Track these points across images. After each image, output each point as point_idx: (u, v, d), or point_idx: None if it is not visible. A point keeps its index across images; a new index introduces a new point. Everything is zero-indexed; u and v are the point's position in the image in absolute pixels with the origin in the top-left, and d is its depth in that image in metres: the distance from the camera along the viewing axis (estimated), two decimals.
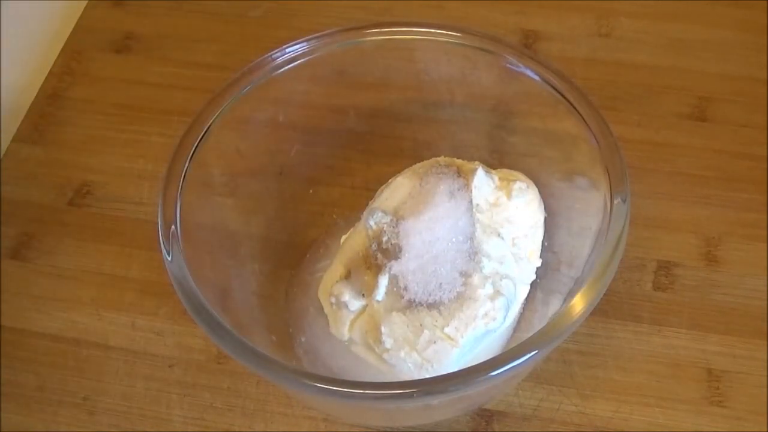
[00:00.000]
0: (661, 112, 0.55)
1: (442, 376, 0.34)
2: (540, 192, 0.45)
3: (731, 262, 0.49)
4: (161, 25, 0.63)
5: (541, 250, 0.45)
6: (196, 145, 0.41)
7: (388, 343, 0.41)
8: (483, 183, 0.44)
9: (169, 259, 0.37)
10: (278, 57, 0.44)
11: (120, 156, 0.56)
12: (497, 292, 0.41)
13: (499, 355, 0.35)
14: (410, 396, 0.34)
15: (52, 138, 0.57)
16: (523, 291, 0.44)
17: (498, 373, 0.34)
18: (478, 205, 0.43)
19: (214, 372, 0.46)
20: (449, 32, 0.45)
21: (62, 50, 0.61)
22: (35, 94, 0.59)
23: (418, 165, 0.46)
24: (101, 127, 0.57)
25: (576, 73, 0.56)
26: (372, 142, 0.50)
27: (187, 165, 0.40)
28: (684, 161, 0.53)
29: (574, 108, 0.42)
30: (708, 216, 0.51)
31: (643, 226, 0.50)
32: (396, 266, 0.41)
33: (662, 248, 0.50)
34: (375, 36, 0.45)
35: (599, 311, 0.43)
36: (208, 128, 0.42)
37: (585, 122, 0.41)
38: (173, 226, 0.38)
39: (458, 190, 0.44)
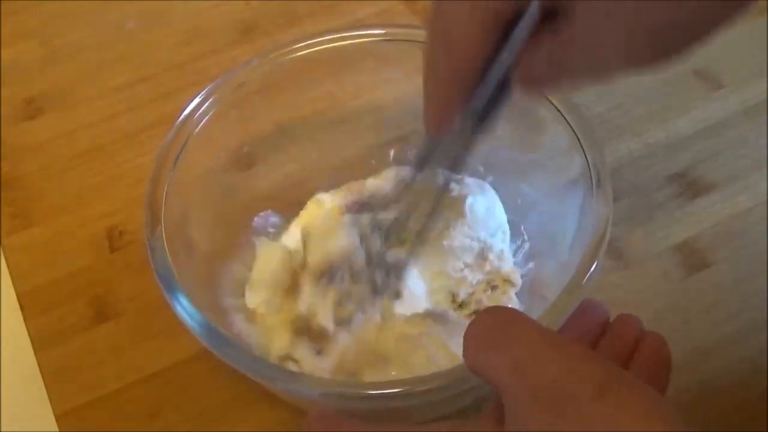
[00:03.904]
0: None
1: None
2: (518, 189, 0.46)
3: None
4: (56, 77, 0.61)
5: (514, 249, 0.47)
6: (175, 160, 0.42)
7: None
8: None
9: (154, 258, 0.39)
10: (241, 71, 0.46)
11: (120, 191, 0.55)
12: None
13: None
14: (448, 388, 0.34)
15: (42, 215, 0.54)
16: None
17: None
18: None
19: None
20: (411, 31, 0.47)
21: None
22: None
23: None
24: (80, 179, 0.56)
25: None
26: (334, 148, 0.50)
27: (167, 180, 0.42)
28: None
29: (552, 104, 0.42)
30: None
31: None
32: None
33: None
34: (331, 43, 0.47)
35: None
36: (184, 144, 0.43)
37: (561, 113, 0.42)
38: (159, 226, 0.40)
39: None
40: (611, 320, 0.37)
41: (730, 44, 0.59)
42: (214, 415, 0.45)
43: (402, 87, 0.48)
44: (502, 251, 0.47)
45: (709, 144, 0.55)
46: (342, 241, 0.44)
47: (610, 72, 0.28)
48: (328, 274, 0.44)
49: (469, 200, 0.46)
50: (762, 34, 0.60)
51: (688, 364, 0.45)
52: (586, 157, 0.41)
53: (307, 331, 0.43)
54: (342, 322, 0.43)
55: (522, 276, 0.46)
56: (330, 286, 0.43)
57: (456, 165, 0.38)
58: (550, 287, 0.42)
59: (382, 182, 0.50)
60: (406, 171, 0.49)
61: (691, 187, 0.53)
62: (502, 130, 0.45)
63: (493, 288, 0.46)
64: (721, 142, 0.55)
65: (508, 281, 0.46)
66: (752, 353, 0.46)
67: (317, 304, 0.43)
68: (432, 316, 0.43)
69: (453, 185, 0.47)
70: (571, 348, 0.29)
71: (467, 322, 0.41)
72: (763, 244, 0.50)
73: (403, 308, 0.44)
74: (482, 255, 0.46)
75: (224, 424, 0.45)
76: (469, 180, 0.48)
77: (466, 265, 0.45)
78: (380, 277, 0.44)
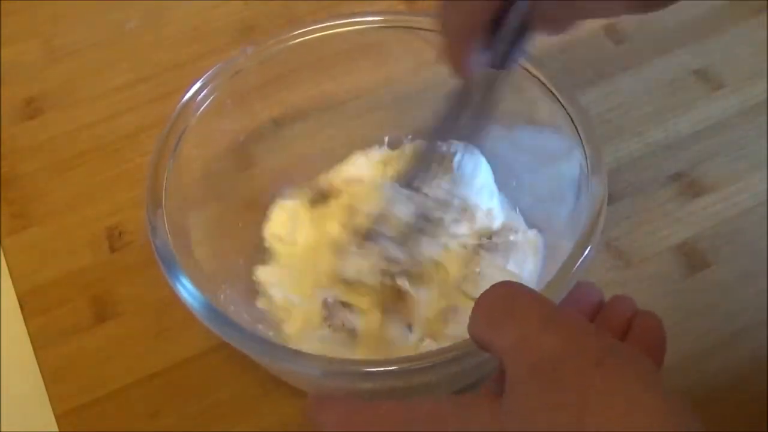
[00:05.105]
0: None
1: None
2: (512, 172, 0.47)
3: None
4: (56, 77, 0.61)
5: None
6: (174, 146, 0.43)
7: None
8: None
9: (155, 238, 0.39)
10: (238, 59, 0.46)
11: (120, 191, 0.55)
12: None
13: None
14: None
15: (42, 215, 0.54)
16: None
17: None
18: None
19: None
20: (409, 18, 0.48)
21: None
22: None
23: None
24: (80, 179, 0.56)
25: None
26: (331, 137, 0.51)
27: (168, 163, 0.43)
28: None
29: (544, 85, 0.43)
30: None
31: None
32: None
33: None
34: (323, 31, 0.47)
35: None
36: (183, 131, 0.44)
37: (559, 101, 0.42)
38: (160, 208, 0.40)
39: None
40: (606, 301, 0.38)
41: (730, 44, 0.60)
42: (214, 415, 0.45)
43: (400, 75, 0.49)
44: (490, 210, 0.47)
45: (709, 144, 0.55)
46: (383, 202, 0.45)
47: (614, 12, 0.37)
48: (369, 234, 0.44)
49: (457, 157, 0.47)
50: (762, 34, 0.60)
51: (689, 363, 0.45)
52: (581, 139, 0.41)
53: (393, 304, 0.44)
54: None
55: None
56: (373, 244, 0.44)
57: (482, 112, 0.41)
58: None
59: (348, 168, 0.51)
60: (376, 151, 0.51)
61: (691, 187, 0.53)
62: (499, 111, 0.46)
63: (484, 247, 0.46)
64: (721, 142, 0.55)
65: (495, 235, 0.47)
66: (752, 353, 0.46)
67: (363, 265, 0.44)
68: (483, 247, 0.44)
69: (440, 144, 0.48)
70: (571, 322, 0.29)
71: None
72: (763, 244, 0.50)
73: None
74: (469, 214, 0.47)
75: (224, 424, 0.45)
76: (458, 144, 0.49)
77: (453, 220, 0.46)
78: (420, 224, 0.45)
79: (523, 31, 0.38)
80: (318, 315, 0.44)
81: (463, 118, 0.42)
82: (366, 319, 0.44)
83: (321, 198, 0.49)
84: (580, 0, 0.35)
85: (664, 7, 0.34)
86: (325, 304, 0.44)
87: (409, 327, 0.43)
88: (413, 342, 0.43)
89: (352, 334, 0.43)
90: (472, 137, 0.44)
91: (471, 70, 0.38)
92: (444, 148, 0.47)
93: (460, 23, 0.37)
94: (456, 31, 0.38)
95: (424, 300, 0.44)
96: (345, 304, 0.44)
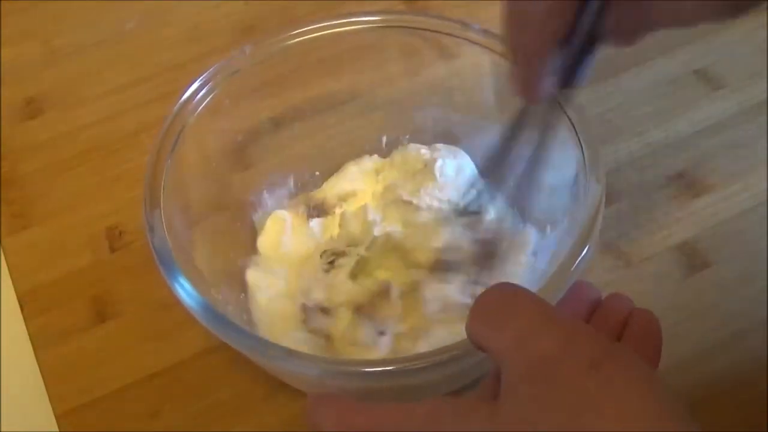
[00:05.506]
0: None
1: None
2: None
3: None
4: (56, 77, 0.61)
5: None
6: (172, 146, 0.43)
7: None
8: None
9: (153, 238, 0.39)
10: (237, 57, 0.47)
11: (120, 191, 0.55)
12: None
13: None
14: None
15: (42, 215, 0.54)
16: None
17: None
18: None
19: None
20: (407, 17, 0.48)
21: None
22: None
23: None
24: (80, 179, 0.56)
25: None
26: (330, 130, 0.51)
27: (166, 163, 0.43)
28: None
29: None
30: None
31: None
32: None
33: None
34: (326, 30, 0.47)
35: None
36: (181, 130, 0.44)
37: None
38: (158, 209, 0.41)
39: None
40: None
41: (730, 44, 0.60)
42: (214, 415, 0.45)
43: (400, 76, 0.49)
44: (480, 206, 0.47)
45: (709, 144, 0.55)
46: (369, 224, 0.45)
47: (693, 24, 0.32)
48: (334, 256, 0.45)
49: (438, 162, 0.48)
50: (762, 34, 0.60)
51: (689, 364, 0.45)
52: (578, 138, 0.41)
53: (370, 309, 0.43)
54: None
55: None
56: (331, 267, 0.44)
57: (548, 125, 0.40)
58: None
59: (340, 183, 0.51)
60: (368, 161, 0.51)
61: (691, 187, 0.53)
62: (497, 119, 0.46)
63: (484, 248, 0.46)
64: (721, 142, 0.55)
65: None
66: (752, 353, 0.46)
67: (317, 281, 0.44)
68: (476, 260, 0.45)
69: (424, 150, 0.49)
70: (568, 324, 0.29)
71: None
72: (763, 244, 0.50)
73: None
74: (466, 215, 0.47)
75: (224, 424, 0.45)
76: (440, 145, 0.49)
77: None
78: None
79: (591, 44, 0.35)
80: (296, 316, 0.44)
81: (518, 146, 0.41)
82: (340, 324, 0.44)
83: (315, 213, 0.49)
84: (661, 2, 0.31)
85: (750, 11, 0.30)
86: (304, 307, 0.44)
87: (382, 333, 0.43)
88: (383, 350, 0.43)
89: (328, 338, 0.43)
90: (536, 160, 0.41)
91: (543, 94, 0.36)
92: (424, 151, 0.48)
93: (530, 45, 0.34)
94: (527, 54, 0.34)
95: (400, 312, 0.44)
96: (323, 310, 0.44)
